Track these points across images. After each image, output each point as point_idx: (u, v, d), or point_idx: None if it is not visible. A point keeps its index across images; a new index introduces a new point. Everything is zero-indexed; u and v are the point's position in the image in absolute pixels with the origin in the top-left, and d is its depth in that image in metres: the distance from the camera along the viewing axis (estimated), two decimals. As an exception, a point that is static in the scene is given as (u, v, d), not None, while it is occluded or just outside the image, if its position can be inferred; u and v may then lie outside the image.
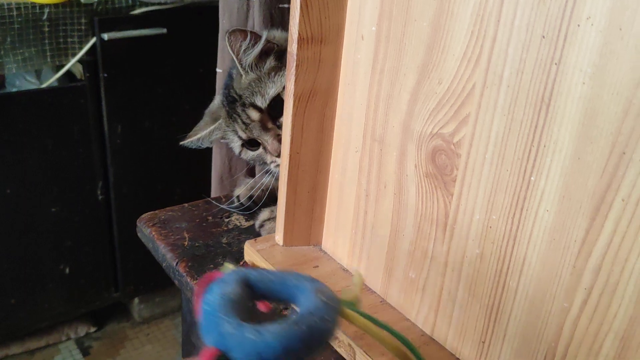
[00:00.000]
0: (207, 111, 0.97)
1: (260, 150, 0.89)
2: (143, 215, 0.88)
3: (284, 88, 0.79)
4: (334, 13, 0.66)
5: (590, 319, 0.50)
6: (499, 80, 0.53)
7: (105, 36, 1.65)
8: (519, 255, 0.55)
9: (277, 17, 1.09)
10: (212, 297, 0.40)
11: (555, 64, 0.48)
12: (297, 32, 0.66)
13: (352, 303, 0.44)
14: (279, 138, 0.84)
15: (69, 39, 1.63)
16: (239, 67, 0.85)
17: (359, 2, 0.65)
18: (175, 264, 0.79)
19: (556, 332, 0.53)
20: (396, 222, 0.67)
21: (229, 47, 0.82)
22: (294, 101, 0.69)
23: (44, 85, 1.67)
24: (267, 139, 0.86)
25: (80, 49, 1.65)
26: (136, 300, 2.10)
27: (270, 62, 0.85)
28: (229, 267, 0.44)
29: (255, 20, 1.08)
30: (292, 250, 0.78)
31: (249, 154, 0.91)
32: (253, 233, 0.87)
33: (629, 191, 0.45)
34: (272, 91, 0.85)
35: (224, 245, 0.84)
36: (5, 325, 1.83)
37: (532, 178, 0.52)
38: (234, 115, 0.88)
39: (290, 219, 0.76)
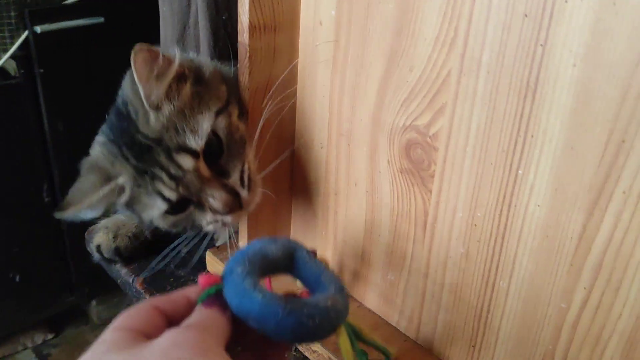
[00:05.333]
0: (86, 165, 0.68)
1: (190, 210, 0.63)
2: (92, 227, 0.81)
3: (216, 116, 0.62)
4: (288, -3, 0.60)
5: (591, 319, 0.46)
6: (477, 65, 0.48)
7: (38, 29, 1.54)
8: (509, 254, 0.50)
9: (222, 0, 1.01)
10: (250, 248, 0.45)
11: (541, 45, 0.43)
12: (247, 20, 0.59)
13: (353, 326, 0.47)
14: (227, 188, 0.61)
15: (-1, 34, 1.52)
16: (145, 103, 0.60)
17: (314, -16, 0.59)
18: (131, 281, 0.73)
19: (554, 334, 0.49)
20: (370, 222, 0.62)
21: (135, 73, 0.59)
22: (250, 95, 0.63)
23: (-26, 86, 1.56)
24: (213, 193, 0.60)
25: (12, 44, 1.54)
26: (93, 302, 2.02)
27: (188, 88, 0.62)
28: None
29: (199, 6, 1.01)
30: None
31: (169, 220, 0.64)
32: (212, 239, 0.81)
33: (630, 182, 0.41)
34: (206, 124, 0.61)
35: (183, 255, 0.76)
36: (-44, 339, 1.73)
37: (519, 171, 0.47)
38: (153, 170, 0.61)
39: (253, 222, 0.70)
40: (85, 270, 1.88)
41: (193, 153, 0.60)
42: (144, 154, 0.61)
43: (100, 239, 0.78)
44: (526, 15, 0.44)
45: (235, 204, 0.61)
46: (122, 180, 0.63)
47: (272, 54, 0.62)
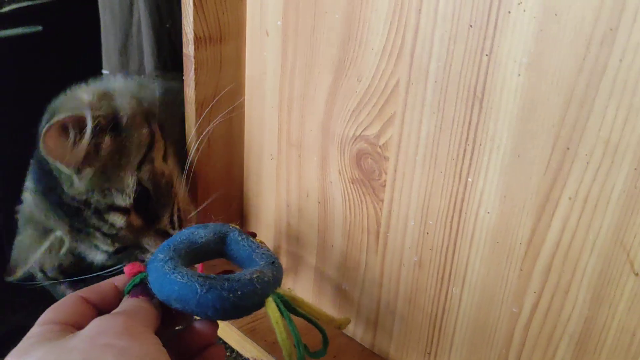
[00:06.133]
0: (22, 217, 0.66)
1: (130, 250, 0.64)
2: (34, 247, 0.77)
3: (139, 168, 0.61)
4: (233, 7, 0.59)
5: (542, 323, 0.47)
6: (424, 75, 0.48)
7: (-28, 39, 1.48)
8: (461, 261, 0.51)
9: (165, 7, 1.00)
10: (177, 236, 0.47)
11: (486, 54, 0.44)
12: (192, 32, 0.58)
13: (283, 297, 0.46)
14: (159, 232, 0.62)
15: None
16: (66, 170, 0.59)
17: (259, -6, 0.58)
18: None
19: (506, 338, 0.50)
20: (323, 233, 0.61)
21: (48, 157, 0.57)
22: (196, 108, 0.62)
23: None
24: (148, 242, 0.62)
25: (-56, 55, 1.47)
26: (39, 321, 1.96)
27: (107, 142, 0.60)
28: None
29: (142, 15, 0.98)
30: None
31: (113, 260, 0.65)
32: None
33: (575, 188, 0.42)
34: (131, 180, 0.60)
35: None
36: None
37: (469, 179, 0.48)
38: (87, 229, 0.61)
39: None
40: (28, 288, 1.82)
41: (123, 210, 0.60)
42: (74, 215, 0.60)
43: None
44: (471, 26, 0.44)
45: None
46: (59, 233, 0.63)
47: (218, 65, 0.61)
